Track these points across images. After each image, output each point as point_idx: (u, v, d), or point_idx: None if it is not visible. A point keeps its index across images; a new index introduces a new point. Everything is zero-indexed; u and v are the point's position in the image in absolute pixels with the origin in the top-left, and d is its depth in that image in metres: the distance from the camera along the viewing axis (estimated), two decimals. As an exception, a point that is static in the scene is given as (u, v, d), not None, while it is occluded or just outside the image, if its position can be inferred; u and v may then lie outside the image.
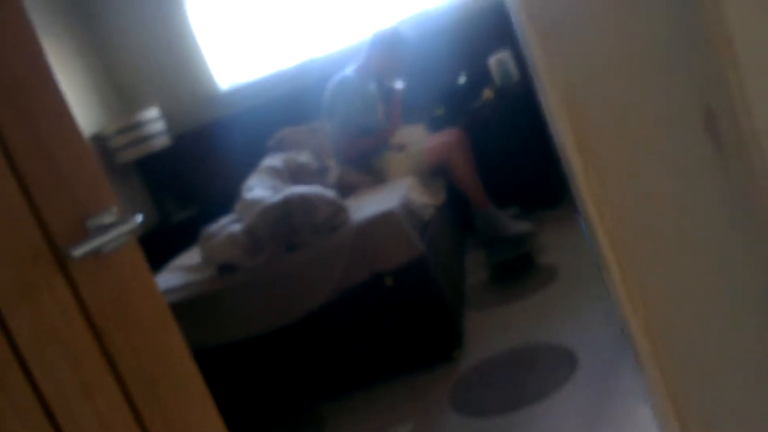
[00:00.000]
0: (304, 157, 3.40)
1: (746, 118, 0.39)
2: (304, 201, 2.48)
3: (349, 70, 3.31)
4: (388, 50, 3.26)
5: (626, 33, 0.47)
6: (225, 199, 3.72)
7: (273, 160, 3.32)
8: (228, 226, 2.74)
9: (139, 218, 1.08)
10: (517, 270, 2.94)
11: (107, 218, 1.05)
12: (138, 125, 4.04)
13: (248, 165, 3.43)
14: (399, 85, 3.27)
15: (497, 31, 3.56)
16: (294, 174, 3.27)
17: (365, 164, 3.27)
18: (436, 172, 3.25)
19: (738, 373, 0.53)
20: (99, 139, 4.06)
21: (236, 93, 4.31)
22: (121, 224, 1.04)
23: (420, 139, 3.45)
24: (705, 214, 0.49)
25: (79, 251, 0.94)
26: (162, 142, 4.19)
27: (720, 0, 0.39)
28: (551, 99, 0.50)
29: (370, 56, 3.29)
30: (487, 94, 3.61)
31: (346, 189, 3.10)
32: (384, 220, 2.41)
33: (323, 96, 3.34)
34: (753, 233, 0.47)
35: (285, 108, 4.10)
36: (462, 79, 3.81)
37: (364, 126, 3.23)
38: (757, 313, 0.52)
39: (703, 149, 0.48)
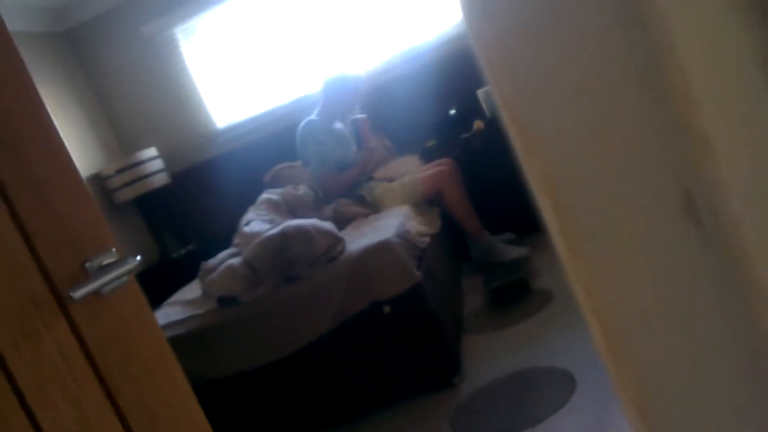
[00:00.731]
0: (300, 191, 3.45)
1: (724, 202, 0.42)
2: (302, 233, 2.51)
3: (313, 115, 3.48)
4: (338, 92, 3.47)
5: (604, 125, 0.48)
6: (223, 234, 3.76)
7: (270, 195, 3.36)
8: (227, 259, 2.77)
9: (137, 259, 1.11)
10: (514, 295, 2.96)
11: (107, 259, 1.08)
12: (136, 164, 4.10)
13: (245, 200, 3.48)
14: (360, 114, 3.46)
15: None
16: (291, 207, 3.31)
17: (359, 197, 3.34)
18: (430, 202, 3.31)
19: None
20: (99, 179, 4.12)
21: (232, 131, 4.39)
22: (120, 265, 1.07)
23: (413, 170, 3.52)
24: (688, 292, 0.51)
25: (79, 293, 0.96)
26: (160, 180, 4.25)
27: (692, 100, 0.40)
28: (534, 187, 0.52)
29: (325, 100, 3.50)
30: (478, 124, 3.69)
31: (343, 220, 3.15)
32: (381, 249, 2.44)
33: (295, 141, 3.50)
34: (736, 309, 0.49)
35: (279, 144, 4.17)
36: (453, 111, 3.90)
37: (342, 160, 3.39)
38: (742, 381, 0.52)
39: (685, 232, 0.50)
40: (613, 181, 0.47)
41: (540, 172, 0.48)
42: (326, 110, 3.49)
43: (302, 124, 3.45)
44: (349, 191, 3.39)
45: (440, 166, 3.44)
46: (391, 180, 3.47)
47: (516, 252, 3.24)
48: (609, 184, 0.47)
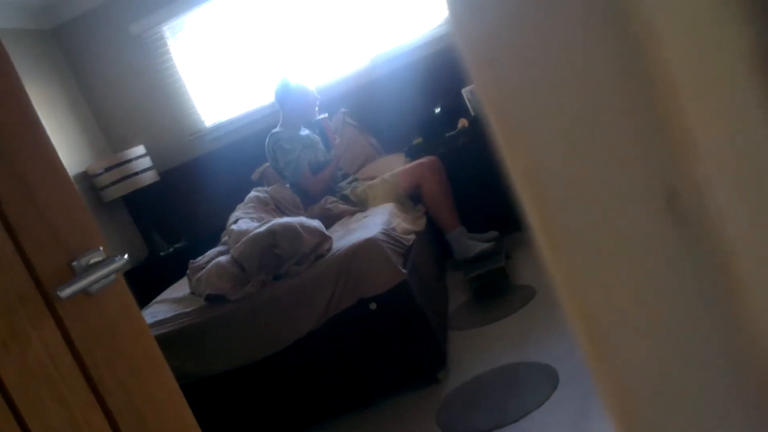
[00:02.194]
0: (287, 189, 3.46)
1: (709, 200, 0.41)
2: (289, 231, 2.53)
3: (277, 128, 3.53)
4: (290, 100, 3.50)
5: (587, 121, 0.48)
6: (211, 232, 3.77)
7: (258, 193, 3.38)
8: (215, 257, 2.78)
9: (125, 257, 1.12)
10: (494, 283, 3.00)
11: (94, 258, 1.08)
12: (125, 162, 4.10)
13: (233, 198, 3.49)
14: (321, 114, 3.50)
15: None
16: (279, 205, 3.32)
17: (343, 197, 3.36)
18: (414, 197, 3.34)
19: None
20: (86, 177, 4.11)
21: (220, 129, 4.39)
22: (107, 264, 1.07)
23: (396, 167, 3.55)
24: (671, 292, 0.50)
25: (66, 292, 0.97)
26: (149, 178, 4.25)
27: (677, 96, 0.40)
28: (516, 184, 0.52)
29: (283, 109, 3.54)
30: (463, 122, 3.72)
31: (330, 218, 3.16)
32: (367, 247, 2.46)
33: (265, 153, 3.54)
34: (719, 310, 0.49)
35: (267, 142, 4.19)
36: (438, 110, 3.92)
37: (315, 162, 3.43)
38: (725, 384, 0.52)
39: (669, 231, 0.49)
40: (596, 178, 0.46)
41: (522, 169, 0.48)
42: (287, 120, 3.53)
43: (269, 137, 3.49)
44: (329, 189, 3.42)
45: (421, 160, 3.47)
46: (373, 178, 3.50)
47: (481, 247, 3.27)
48: (592, 182, 0.47)
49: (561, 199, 0.48)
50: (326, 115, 3.51)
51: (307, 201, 3.42)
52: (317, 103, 3.55)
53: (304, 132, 3.54)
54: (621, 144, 0.45)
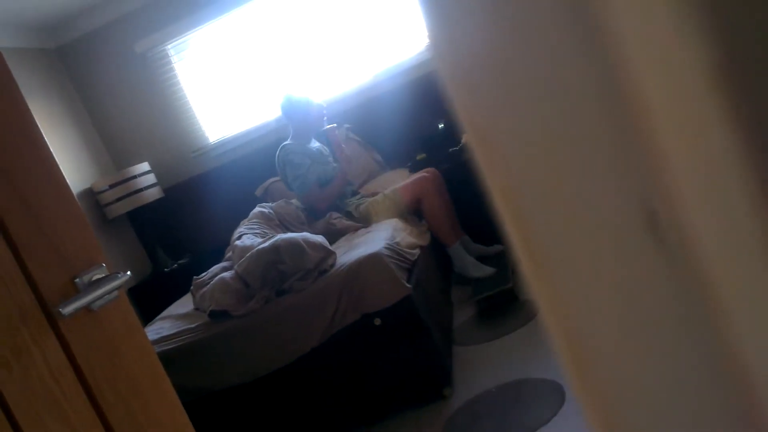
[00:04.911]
0: (292, 205, 3.46)
1: (684, 219, 0.42)
2: (293, 246, 2.52)
3: (288, 140, 3.52)
4: (296, 112, 3.49)
5: (565, 140, 0.48)
6: (216, 248, 3.77)
7: (262, 208, 3.38)
8: (219, 273, 2.78)
9: (127, 274, 1.12)
10: (502, 305, 2.98)
11: (96, 275, 1.08)
12: (129, 179, 4.11)
13: (237, 214, 3.50)
14: (329, 126, 3.48)
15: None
16: (283, 221, 3.32)
17: (347, 213, 3.36)
18: (417, 212, 3.34)
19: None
20: (91, 194, 4.12)
21: (224, 145, 4.41)
22: (110, 280, 1.07)
23: (398, 182, 3.56)
24: (652, 310, 0.50)
25: (68, 309, 0.97)
26: (153, 194, 4.26)
27: (648, 111, 0.42)
28: (495, 203, 0.52)
29: (292, 123, 3.53)
30: (466, 137, 3.71)
31: (334, 234, 3.16)
32: (371, 262, 2.45)
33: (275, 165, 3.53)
34: (700, 327, 0.49)
35: (271, 158, 4.17)
36: (441, 125, 3.94)
37: (323, 177, 3.41)
38: (708, 400, 0.52)
39: (649, 249, 0.49)
40: (575, 198, 0.47)
41: (501, 189, 0.49)
42: (297, 133, 3.53)
43: (278, 151, 3.49)
44: (335, 204, 3.41)
45: (423, 174, 3.47)
46: (375, 193, 3.50)
47: (482, 272, 3.24)
48: (571, 202, 0.47)
49: (540, 219, 0.48)
50: (335, 125, 3.50)
51: (313, 216, 3.42)
52: (324, 113, 3.54)
53: (315, 144, 3.53)
54: (599, 164, 0.45)
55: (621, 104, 0.43)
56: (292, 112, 3.51)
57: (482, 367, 2.57)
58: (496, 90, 0.46)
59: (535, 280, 0.51)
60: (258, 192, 4.06)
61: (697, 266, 0.43)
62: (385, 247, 2.55)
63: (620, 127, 0.44)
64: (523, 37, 0.46)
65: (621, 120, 0.44)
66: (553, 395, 2.15)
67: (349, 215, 3.37)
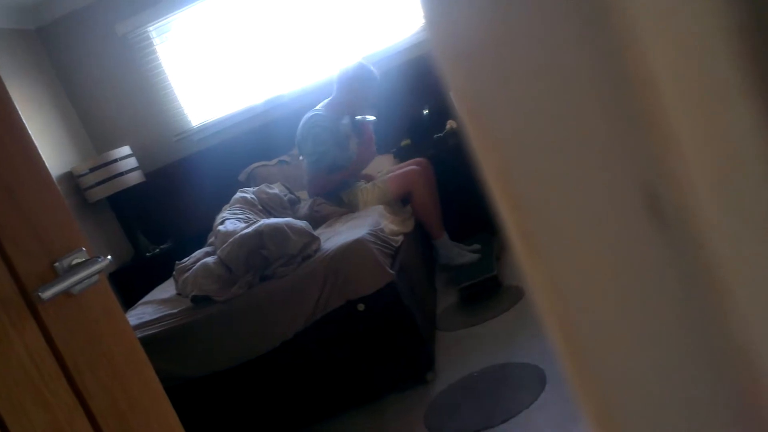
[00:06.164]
0: (275, 190, 3.44)
1: (689, 201, 0.40)
2: (277, 232, 2.51)
3: (320, 106, 3.38)
4: (355, 85, 3.33)
5: (563, 119, 0.45)
6: (198, 233, 3.75)
7: (245, 193, 3.36)
8: (201, 258, 2.76)
9: (108, 258, 1.11)
10: (485, 292, 2.99)
11: (76, 259, 1.07)
12: (110, 163, 4.06)
13: (220, 199, 3.47)
14: (370, 117, 3.31)
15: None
16: (266, 206, 3.31)
17: (336, 197, 3.34)
18: (403, 201, 3.34)
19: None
20: (71, 178, 4.07)
21: (206, 129, 4.37)
22: (90, 264, 1.06)
23: (387, 169, 3.54)
24: (652, 295, 0.48)
25: (47, 293, 0.96)
26: (134, 178, 4.22)
27: (656, 93, 0.39)
28: (490, 185, 0.51)
29: (338, 92, 3.38)
30: (451, 124, 3.72)
31: (317, 219, 3.15)
32: (355, 248, 2.45)
33: (296, 130, 3.40)
34: (702, 313, 0.48)
35: (254, 143, 4.18)
36: (426, 111, 3.93)
37: (335, 164, 3.31)
38: (708, 390, 0.50)
39: (649, 232, 0.47)
40: (572, 179, 0.45)
41: (496, 170, 0.47)
42: (337, 103, 3.34)
43: (306, 117, 3.30)
44: (331, 193, 3.38)
45: (413, 165, 3.45)
46: (368, 180, 3.48)
47: (467, 258, 3.30)
48: (568, 183, 0.45)
49: (536, 201, 0.46)
50: (374, 118, 3.30)
51: (311, 190, 3.38)
52: (371, 101, 3.35)
53: (345, 121, 3.31)
54: (598, 143, 0.43)
55: (623, 79, 0.40)
56: (355, 82, 3.30)
57: (465, 352, 2.59)
58: (493, 72, 0.44)
59: (529, 264, 0.49)
60: (241, 177, 4.03)
61: (699, 248, 0.41)
62: (369, 233, 2.55)
63: (622, 106, 0.41)
64: (521, 8, 0.43)
65: (622, 96, 0.41)
66: (535, 379, 2.17)
67: (339, 200, 3.34)
